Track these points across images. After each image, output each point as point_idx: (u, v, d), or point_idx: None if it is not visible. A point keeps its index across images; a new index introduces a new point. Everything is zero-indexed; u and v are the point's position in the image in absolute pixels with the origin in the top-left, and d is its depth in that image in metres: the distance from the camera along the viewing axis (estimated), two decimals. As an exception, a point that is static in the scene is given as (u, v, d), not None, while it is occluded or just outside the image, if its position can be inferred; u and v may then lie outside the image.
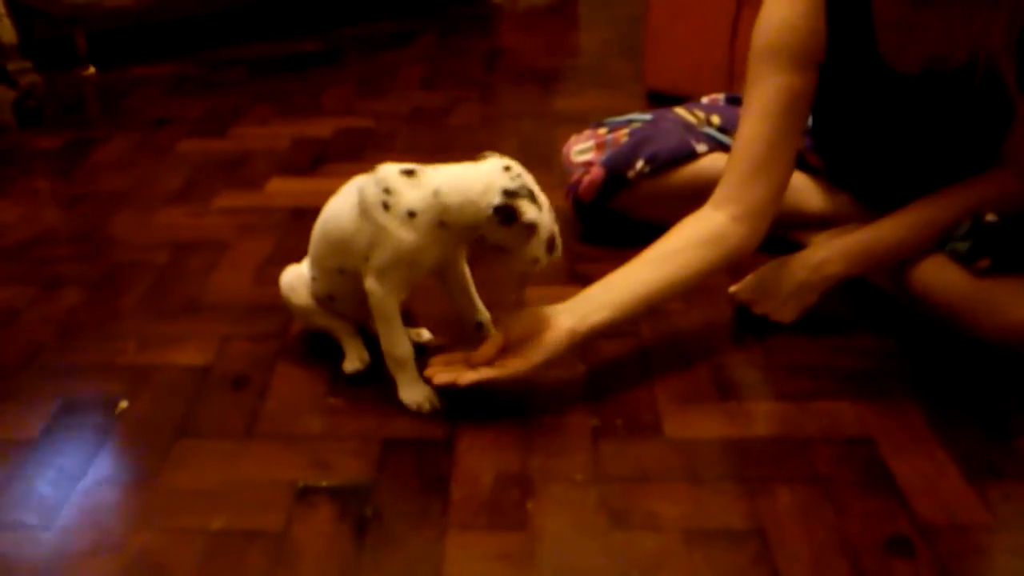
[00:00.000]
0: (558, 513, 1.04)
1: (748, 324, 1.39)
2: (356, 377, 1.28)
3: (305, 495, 1.07)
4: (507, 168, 1.16)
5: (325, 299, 1.30)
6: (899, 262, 1.38)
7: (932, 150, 1.39)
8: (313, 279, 1.30)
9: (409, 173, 1.16)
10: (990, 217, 1.29)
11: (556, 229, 1.16)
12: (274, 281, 1.40)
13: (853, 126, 1.46)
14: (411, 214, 1.14)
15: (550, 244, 1.15)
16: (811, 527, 1.02)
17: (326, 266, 1.27)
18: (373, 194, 1.15)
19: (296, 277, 1.32)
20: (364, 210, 1.17)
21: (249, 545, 1.00)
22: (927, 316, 1.37)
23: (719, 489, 1.08)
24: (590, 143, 1.68)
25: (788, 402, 1.24)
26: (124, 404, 1.24)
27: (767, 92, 1.33)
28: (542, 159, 2.03)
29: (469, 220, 1.14)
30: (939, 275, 1.33)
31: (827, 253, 1.36)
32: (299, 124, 2.30)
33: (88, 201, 1.88)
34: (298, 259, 1.38)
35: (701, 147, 1.61)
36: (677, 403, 1.23)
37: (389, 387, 1.26)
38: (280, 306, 1.37)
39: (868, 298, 1.46)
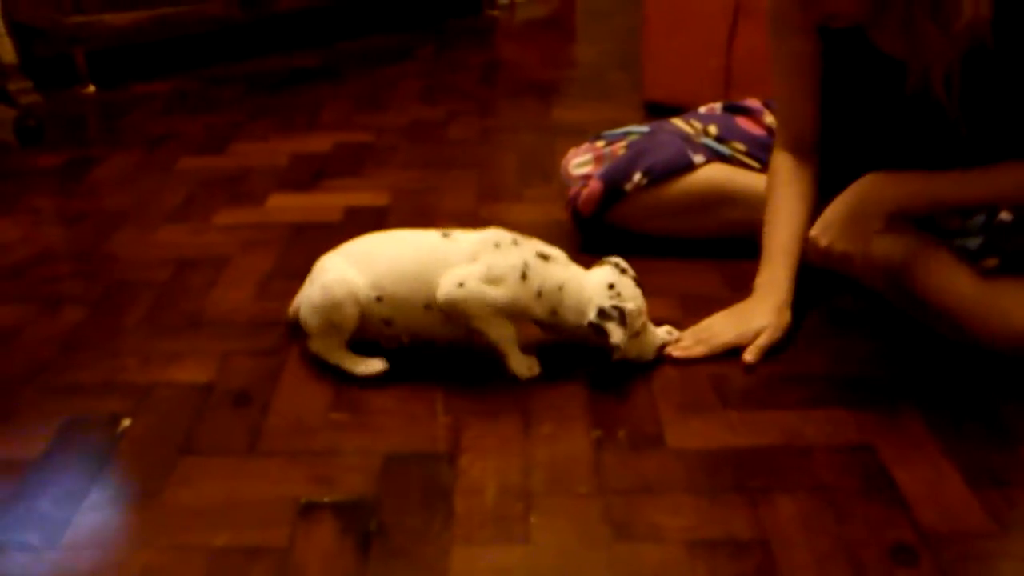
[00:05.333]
0: (561, 526, 1.05)
1: None
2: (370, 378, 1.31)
3: (308, 511, 1.07)
4: (611, 286, 1.27)
5: (379, 321, 1.30)
6: (902, 265, 1.38)
7: (920, 139, 1.38)
8: (378, 299, 1.29)
9: (545, 257, 1.29)
10: (1004, 215, 1.29)
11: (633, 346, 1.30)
12: (275, 296, 1.41)
13: (848, 112, 1.46)
14: (539, 294, 1.27)
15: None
16: (814, 536, 1.02)
17: (412, 300, 1.29)
18: (515, 264, 1.27)
19: (352, 286, 1.29)
20: (500, 276, 1.26)
21: (253, 562, 1.00)
22: (928, 323, 1.38)
23: (722, 499, 1.08)
24: (588, 156, 1.69)
25: (789, 411, 1.24)
26: (127, 422, 1.24)
27: (789, 56, 1.45)
28: (541, 171, 2.04)
29: (572, 320, 1.28)
30: (944, 277, 1.33)
31: (883, 181, 1.34)
32: (298, 140, 2.31)
33: (89, 219, 1.88)
34: (299, 276, 1.38)
35: (698, 158, 1.61)
36: (679, 413, 1.23)
37: (391, 401, 1.27)
38: (282, 322, 1.38)
39: (868, 306, 1.47)
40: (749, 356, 1.33)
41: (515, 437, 1.19)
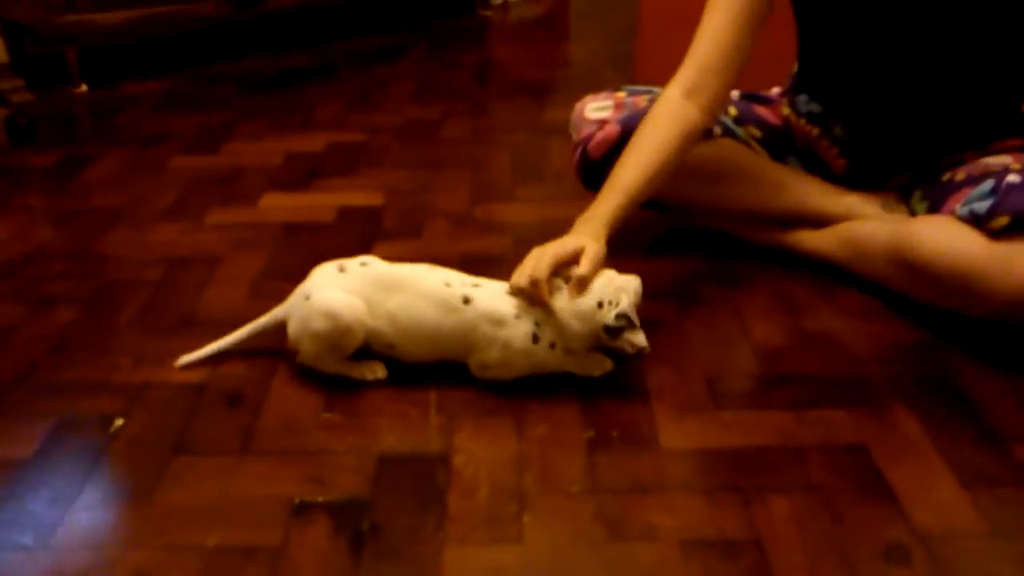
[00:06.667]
0: (555, 526, 1.05)
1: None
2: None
3: (302, 511, 1.07)
4: (600, 305, 1.24)
5: (384, 345, 1.30)
6: (908, 234, 1.38)
7: (921, 60, 1.38)
8: (390, 346, 1.30)
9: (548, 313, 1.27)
10: (1013, 177, 1.28)
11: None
12: (268, 296, 1.40)
13: (843, 42, 1.46)
14: (552, 346, 1.27)
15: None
16: (807, 536, 1.02)
17: (424, 354, 1.30)
18: (524, 334, 1.26)
19: (360, 312, 1.27)
20: (494, 344, 1.26)
21: (246, 561, 1.00)
22: (932, 298, 1.36)
23: (715, 499, 1.08)
24: (608, 102, 1.65)
25: (783, 411, 1.24)
26: (119, 422, 1.23)
27: None
28: (535, 171, 2.04)
29: (586, 342, 1.28)
30: (952, 240, 1.31)
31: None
32: (291, 139, 2.31)
33: (81, 218, 1.88)
34: (291, 276, 1.37)
35: (716, 129, 1.59)
36: (672, 413, 1.23)
37: (384, 402, 1.26)
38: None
39: (862, 306, 1.47)
40: (582, 270, 1.25)
41: (508, 437, 1.19)
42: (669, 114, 1.42)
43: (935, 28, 1.38)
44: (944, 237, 1.32)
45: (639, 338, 1.24)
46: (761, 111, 1.68)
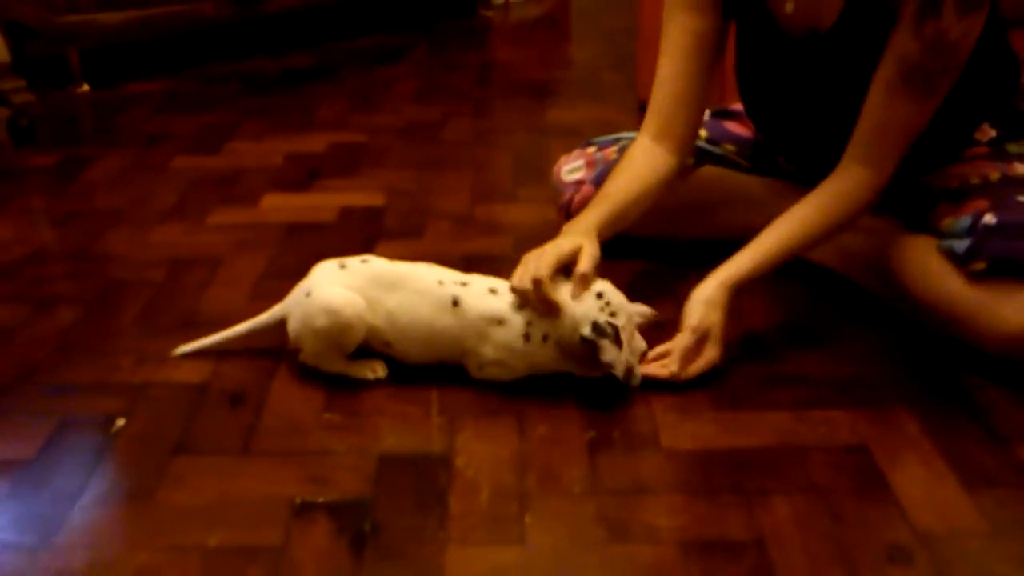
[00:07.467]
0: (556, 527, 1.05)
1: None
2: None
3: (303, 511, 1.07)
4: (599, 295, 1.24)
5: (381, 343, 1.30)
6: (895, 265, 1.39)
7: (838, 112, 1.39)
8: (386, 344, 1.30)
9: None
10: (989, 218, 1.29)
11: (635, 361, 1.25)
12: (269, 296, 1.40)
13: (767, 86, 1.50)
14: (527, 336, 1.26)
15: (626, 375, 1.22)
16: (809, 537, 1.02)
17: (424, 355, 1.30)
18: (519, 334, 1.26)
19: (359, 308, 1.27)
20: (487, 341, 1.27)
21: (247, 561, 1.00)
22: (920, 320, 1.38)
23: (716, 500, 1.08)
24: (580, 162, 1.68)
25: (784, 412, 1.24)
26: (121, 422, 1.23)
27: (678, 33, 1.43)
28: (535, 172, 2.04)
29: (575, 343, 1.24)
30: (935, 279, 1.33)
31: (707, 295, 1.31)
32: (292, 140, 2.31)
33: (82, 219, 1.88)
34: (293, 276, 1.37)
35: (688, 160, 1.61)
36: (673, 414, 1.23)
37: (385, 402, 1.27)
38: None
39: (862, 305, 1.47)
40: (582, 267, 1.26)
41: (510, 438, 1.19)
42: (642, 155, 1.46)
43: (862, 78, 1.38)
44: (930, 277, 1.34)
45: (612, 352, 1.20)
46: (731, 126, 1.70)
